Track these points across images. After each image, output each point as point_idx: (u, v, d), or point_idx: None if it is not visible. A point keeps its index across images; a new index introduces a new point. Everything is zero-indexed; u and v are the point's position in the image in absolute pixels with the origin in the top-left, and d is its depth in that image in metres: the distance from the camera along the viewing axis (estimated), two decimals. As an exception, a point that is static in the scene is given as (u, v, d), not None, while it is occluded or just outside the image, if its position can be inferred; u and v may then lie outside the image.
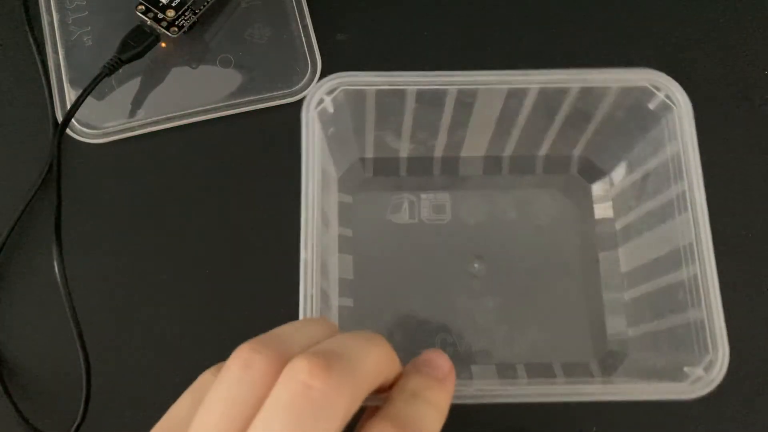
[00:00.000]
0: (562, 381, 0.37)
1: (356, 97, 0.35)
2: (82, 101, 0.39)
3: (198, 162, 0.41)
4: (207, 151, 0.41)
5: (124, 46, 0.40)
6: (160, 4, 0.41)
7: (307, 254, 0.31)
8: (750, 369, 0.38)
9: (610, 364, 0.38)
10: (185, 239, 0.40)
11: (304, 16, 0.43)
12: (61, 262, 0.35)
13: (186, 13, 0.41)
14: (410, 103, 0.36)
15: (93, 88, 0.39)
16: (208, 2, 0.42)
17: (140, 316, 0.38)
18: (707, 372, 0.30)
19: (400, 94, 0.35)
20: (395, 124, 0.38)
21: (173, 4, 0.41)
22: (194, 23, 0.42)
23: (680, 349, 0.33)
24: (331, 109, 0.34)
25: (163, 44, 0.42)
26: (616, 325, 0.38)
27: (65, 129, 0.39)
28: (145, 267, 0.39)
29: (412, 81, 0.34)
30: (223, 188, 0.41)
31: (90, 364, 0.36)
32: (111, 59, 0.40)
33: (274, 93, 0.42)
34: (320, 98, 0.34)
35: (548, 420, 0.38)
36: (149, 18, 0.41)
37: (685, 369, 0.31)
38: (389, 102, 0.35)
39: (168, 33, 0.41)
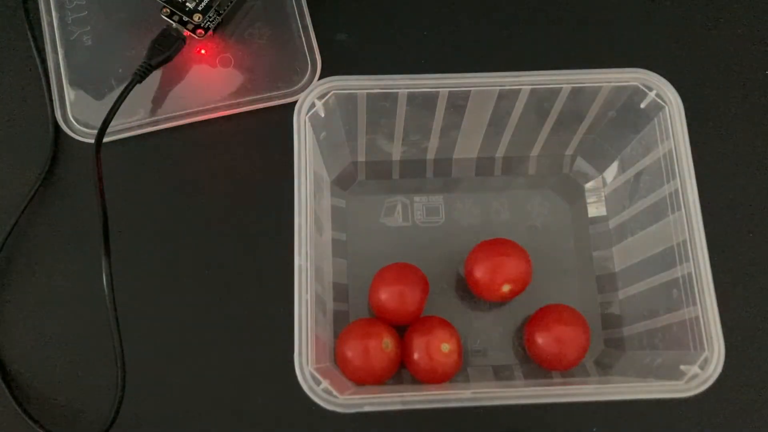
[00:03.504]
0: (559, 381, 0.37)
1: (348, 101, 0.35)
2: (116, 110, 0.38)
3: (198, 162, 0.41)
4: (207, 151, 0.41)
5: (153, 51, 0.40)
6: (187, 9, 0.41)
7: (301, 260, 0.31)
8: (746, 366, 0.38)
9: (606, 363, 0.38)
10: (185, 240, 0.40)
11: (304, 16, 0.43)
12: (110, 274, 0.35)
13: (211, 15, 0.41)
14: (402, 106, 0.36)
15: (125, 97, 0.39)
16: (231, 2, 0.42)
17: (137, 317, 0.38)
18: (703, 369, 0.30)
19: (391, 98, 0.35)
20: (387, 128, 0.38)
21: (199, 8, 0.41)
22: (219, 24, 0.42)
23: (676, 347, 0.33)
24: (322, 114, 0.34)
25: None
26: (611, 324, 0.39)
27: (101, 142, 0.38)
28: (142, 267, 0.39)
29: (403, 84, 0.34)
30: (222, 189, 0.41)
31: (125, 379, 0.36)
32: (141, 65, 0.39)
33: (274, 93, 0.42)
34: (311, 103, 0.34)
35: (546, 421, 0.38)
36: (174, 21, 0.41)
37: (681, 367, 0.31)
38: (381, 105, 0.35)
39: (195, 36, 0.41)
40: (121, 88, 0.39)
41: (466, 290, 0.39)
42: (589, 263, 0.40)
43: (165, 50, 0.40)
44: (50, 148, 0.41)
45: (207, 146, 0.41)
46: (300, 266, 0.31)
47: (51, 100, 0.41)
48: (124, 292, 0.37)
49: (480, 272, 0.37)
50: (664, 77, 0.34)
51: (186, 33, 0.41)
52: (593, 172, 0.41)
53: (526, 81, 0.34)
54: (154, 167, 0.41)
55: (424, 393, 0.31)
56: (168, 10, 0.41)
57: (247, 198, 0.41)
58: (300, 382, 0.30)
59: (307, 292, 0.31)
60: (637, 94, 0.35)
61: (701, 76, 0.43)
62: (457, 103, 0.35)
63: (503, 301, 0.38)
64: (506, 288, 0.37)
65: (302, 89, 0.42)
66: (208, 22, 0.41)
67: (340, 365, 0.35)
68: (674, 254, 0.33)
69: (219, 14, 0.42)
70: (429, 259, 0.39)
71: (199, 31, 0.41)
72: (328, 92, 0.34)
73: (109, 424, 0.35)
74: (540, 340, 0.36)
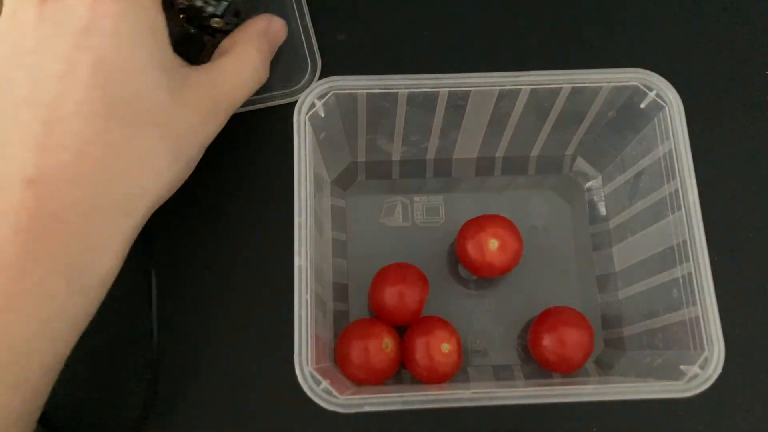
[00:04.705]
0: (559, 382, 0.37)
1: (347, 101, 0.35)
2: None
3: (197, 162, 0.41)
4: (207, 151, 0.41)
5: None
6: (204, 14, 0.39)
7: (300, 260, 0.31)
8: (746, 366, 0.38)
9: (606, 363, 0.38)
10: (184, 240, 0.40)
11: (304, 16, 0.43)
12: (149, 285, 0.35)
13: (229, 18, 0.40)
14: (402, 106, 0.36)
15: None
16: (249, 3, 0.40)
17: (135, 317, 0.38)
18: (703, 369, 0.30)
19: (391, 98, 0.35)
20: (387, 127, 0.38)
21: (218, 13, 0.39)
22: (236, 25, 0.40)
23: (676, 347, 0.33)
24: (322, 114, 0.34)
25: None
26: (611, 324, 0.39)
27: None
28: (140, 269, 0.39)
29: (403, 84, 0.34)
30: (222, 188, 0.41)
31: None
32: None
33: (274, 93, 0.42)
34: (311, 103, 0.34)
35: (546, 421, 0.38)
36: (193, 26, 0.40)
37: (681, 367, 0.31)
38: (381, 105, 0.35)
39: (214, 39, 0.40)
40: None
41: (467, 290, 0.39)
42: (589, 263, 0.40)
43: (184, 54, 0.39)
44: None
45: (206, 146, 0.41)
46: (300, 266, 0.31)
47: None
48: (119, 290, 0.37)
49: (468, 234, 0.38)
50: (664, 77, 0.34)
51: (206, 36, 0.40)
52: (593, 172, 0.41)
53: (526, 81, 0.34)
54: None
55: (424, 393, 0.31)
56: (184, 17, 0.40)
57: (247, 198, 0.41)
58: (300, 382, 0.30)
59: (307, 292, 0.31)
60: (637, 94, 0.35)
61: (701, 76, 0.43)
62: (457, 103, 0.36)
63: (495, 272, 0.38)
64: (494, 244, 0.37)
65: (302, 89, 0.42)
66: (229, 26, 0.40)
67: (340, 365, 0.35)
68: (674, 254, 0.33)
69: (236, 15, 0.41)
70: (429, 259, 0.39)
71: (219, 34, 0.40)
72: (328, 92, 0.34)
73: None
74: (546, 342, 0.36)
